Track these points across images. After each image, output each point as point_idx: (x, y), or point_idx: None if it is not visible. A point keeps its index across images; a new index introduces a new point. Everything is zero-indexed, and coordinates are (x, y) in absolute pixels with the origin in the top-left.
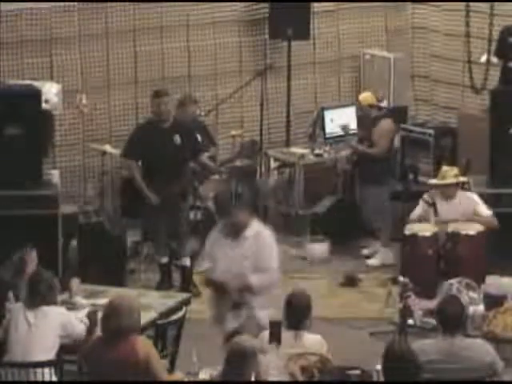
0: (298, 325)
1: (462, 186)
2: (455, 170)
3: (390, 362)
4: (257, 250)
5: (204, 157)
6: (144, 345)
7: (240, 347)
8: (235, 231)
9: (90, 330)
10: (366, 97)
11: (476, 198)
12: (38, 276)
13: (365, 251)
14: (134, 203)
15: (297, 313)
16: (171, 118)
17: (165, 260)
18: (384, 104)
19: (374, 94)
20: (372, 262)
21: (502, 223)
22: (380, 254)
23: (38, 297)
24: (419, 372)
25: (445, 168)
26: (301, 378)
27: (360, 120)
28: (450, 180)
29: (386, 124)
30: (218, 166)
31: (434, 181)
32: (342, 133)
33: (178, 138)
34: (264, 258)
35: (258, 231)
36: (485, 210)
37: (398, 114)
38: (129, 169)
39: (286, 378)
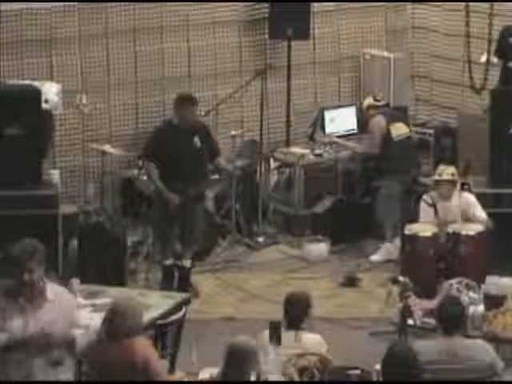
0: (298, 325)
1: (462, 187)
2: (452, 169)
3: (390, 363)
4: (70, 312)
5: (221, 159)
6: (142, 346)
7: (240, 347)
8: (32, 294)
9: None
10: (365, 102)
11: (473, 199)
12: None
13: (374, 257)
14: (134, 203)
15: (297, 313)
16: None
17: (169, 262)
18: (380, 104)
19: (373, 96)
20: (375, 257)
21: (501, 223)
22: (384, 250)
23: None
24: (420, 374)
25: (441, 167)
26: (297, 378)
27: (363, 124)
28: (447, 177)
29: (373, 122)
30: (233, 168)
31: (430, 179)
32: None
33: (197, 140)
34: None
35: (57, 292)
36: (480, 213)
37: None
38: (148, 171)
39: (284, 379)
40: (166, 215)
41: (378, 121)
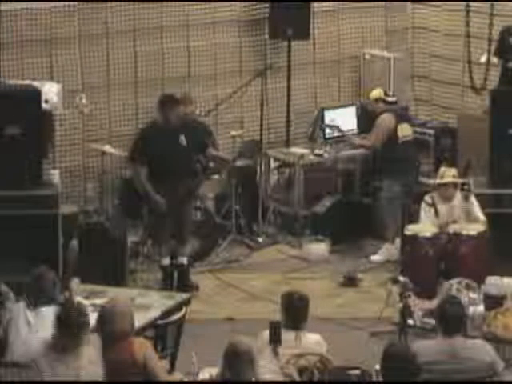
0: (298, 325)
1: (462, 187)
2: (453, 171)
3: (388, 363)
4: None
5: (212, 150)
6: (141, 346)
7: (238, 348)
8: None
9: None
10: (374, 92)
11: (474, 200)
12: (44, 274)
13: (374, 257)
14: (134, 203)
15: (297, 313)
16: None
17: (166, 262)
18: (391, 99)
19: (383, 90)
20: (375, 257)
21: (502, 223)
22: (384, 250)
23: (42, 295)
24: (418, 373)
25: (443, 169)
26: (297, 378)
27: (367, 115)
28: (449, 179)
29: (382, 118)
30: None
31: (432, 181)
32: (337, 133)
33: (183, 139)
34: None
35: None
36: (480, 215)
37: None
38: (135, 173)
39: (285, 379)
40: (156, 215)
41: (388, 118)
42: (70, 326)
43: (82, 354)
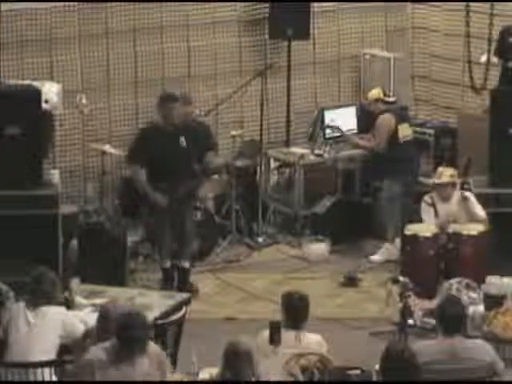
0: (299, 325)
1: (462, 187)
2: (451, 171)
3: (388, 363)
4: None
5: (210, 155)
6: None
7: (238, 348)
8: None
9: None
10: (373, 92)
11: (473, 198)
12: (43, 274)
13: (374, 257)
14: (134, 203)
15: (297, 313)
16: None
17: (168, 264)
18: (391, 99)
19: (382, 90)
20: (375, 257)
21: (502, 223)
22: (384, 250)
23: (41, 295)
24: (418, 373)
25: (440, 169)
26: (301, 378)
27: (367, 115)
28: (446, 179)
29: (383, 119)
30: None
31: (429, 181)
32: (338, 134)
33: (183, 140)
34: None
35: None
36: (480, 212)
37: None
38: (134, 174)
39: (286, 379)
40: (157, 213)
41: (388, 118)
42: (130, 337)
43: (137, 365)
